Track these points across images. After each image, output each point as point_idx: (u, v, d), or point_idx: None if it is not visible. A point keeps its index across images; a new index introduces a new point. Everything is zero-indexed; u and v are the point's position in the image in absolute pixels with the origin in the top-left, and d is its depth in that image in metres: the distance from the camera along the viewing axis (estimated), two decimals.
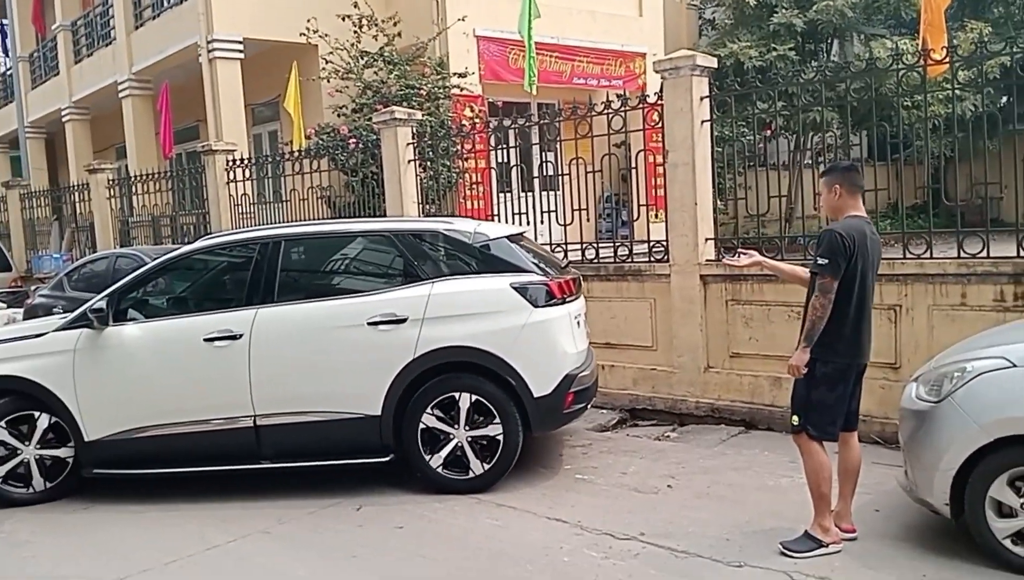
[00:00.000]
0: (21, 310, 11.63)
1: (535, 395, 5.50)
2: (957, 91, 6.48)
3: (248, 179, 12.08)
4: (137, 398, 5.80)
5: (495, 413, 5.51)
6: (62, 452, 5.90)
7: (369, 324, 5.56)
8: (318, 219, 10.81)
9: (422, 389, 5.55)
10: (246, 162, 11.96)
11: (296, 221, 10.91)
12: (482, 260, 5.75)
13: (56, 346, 5.88)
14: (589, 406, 6.08)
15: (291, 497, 5.70)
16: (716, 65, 7.42)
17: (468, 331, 5.51)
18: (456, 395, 5.54)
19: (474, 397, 5.52)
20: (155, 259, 6.30)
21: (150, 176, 13.79)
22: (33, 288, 13.34)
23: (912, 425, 4.36)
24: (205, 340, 5.67)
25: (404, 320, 5.53)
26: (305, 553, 4.82)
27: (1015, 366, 4.02)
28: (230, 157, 12.14)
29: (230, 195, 12.12)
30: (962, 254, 5.90)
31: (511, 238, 5.97)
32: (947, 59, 6.14)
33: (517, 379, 5.49)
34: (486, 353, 5.49)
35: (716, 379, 7.06)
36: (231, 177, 12.09)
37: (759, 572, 4.20)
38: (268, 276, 5.80)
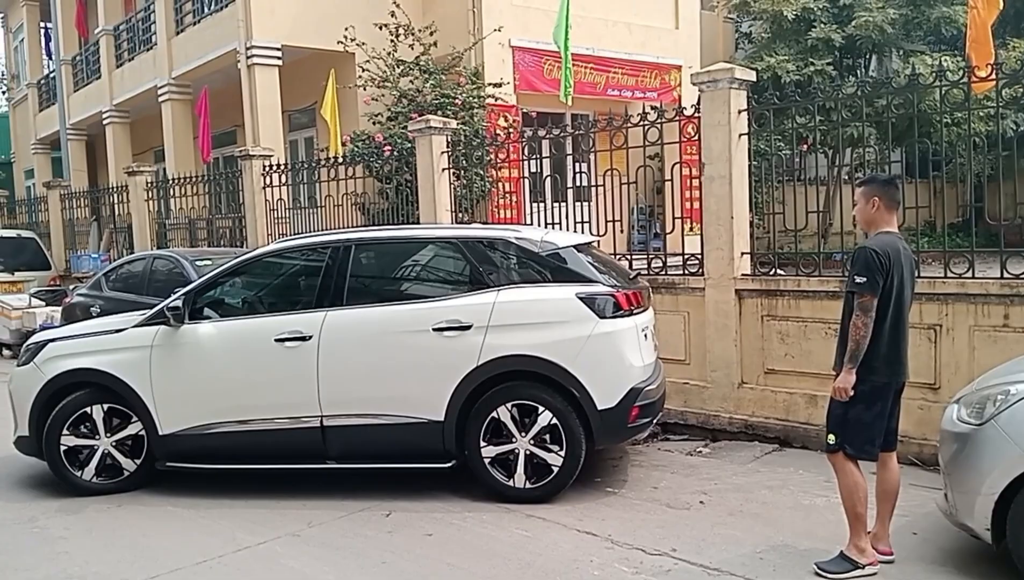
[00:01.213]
0: (59, 309, 11.83)
1: (599, 407, 5.45)
2: (1000, 109, 6.38)
3: (284, 184, 12.19)
4: (210, 395, 5.92)
5: (558, 424, 5.46)
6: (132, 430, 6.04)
7: (434, 330, 5.58)
8: (351, 225, 10.89)
9: (485, 396, 5.55)
10: (282, 168, 12.07)
11: (332, 227, 11.00)
12: (549, 269, 5.73)
13: (134, 342, 6.06)
14: (656, 421, 5.99)
15: (321, 499, 5.72)
16: (754, 78, 7.38)
17: (532, 340, 5.49)
18: (516, 403, 5.53)
19: (540, 409, 5.49)
20: (232, 259, 6.45)
21: (187, 179, 13.97)
22: (72, 287, 13.57)
23: (953, 448, 4.28)
24: (276, 340, 5.76)
25: (469, 327, 5.54)
26: (334, 557, 4.83)
27: None
28: (267, 162, 12.26)
29: (266, 200, 12.24)
30: (1005, 274, 5.79)
31: (579, 247, 5.94)
32: (992, 76, 6.05)
33: (581, 390, 5.44)
34: (550, 363, 5.46)
35: (750, 395, 6.98)
36: (267, 182, 12.20)
37: None
38: (338, 279, 5.88)
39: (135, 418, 6.02)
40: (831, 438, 4.35)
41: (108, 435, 6.05)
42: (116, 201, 16.36)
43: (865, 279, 4.16)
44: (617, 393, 5.48)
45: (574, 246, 5.91)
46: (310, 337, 5.72)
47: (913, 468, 5.76)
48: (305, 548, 4.99)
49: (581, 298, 5.54)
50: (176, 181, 14.28)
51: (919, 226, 6.61)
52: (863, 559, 4.27)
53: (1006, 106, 7.63)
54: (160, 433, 5.95)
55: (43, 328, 11.33)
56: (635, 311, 5.72)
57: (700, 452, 6.76)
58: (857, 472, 4.31)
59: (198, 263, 9.22)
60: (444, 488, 5.76)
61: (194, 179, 13.98)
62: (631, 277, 6.40)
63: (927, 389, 5.99)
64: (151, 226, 15.15)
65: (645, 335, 5.81)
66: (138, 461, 6.08)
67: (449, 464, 5.64)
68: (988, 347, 5.73)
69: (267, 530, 5.23)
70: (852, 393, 4.21)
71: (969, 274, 5.98)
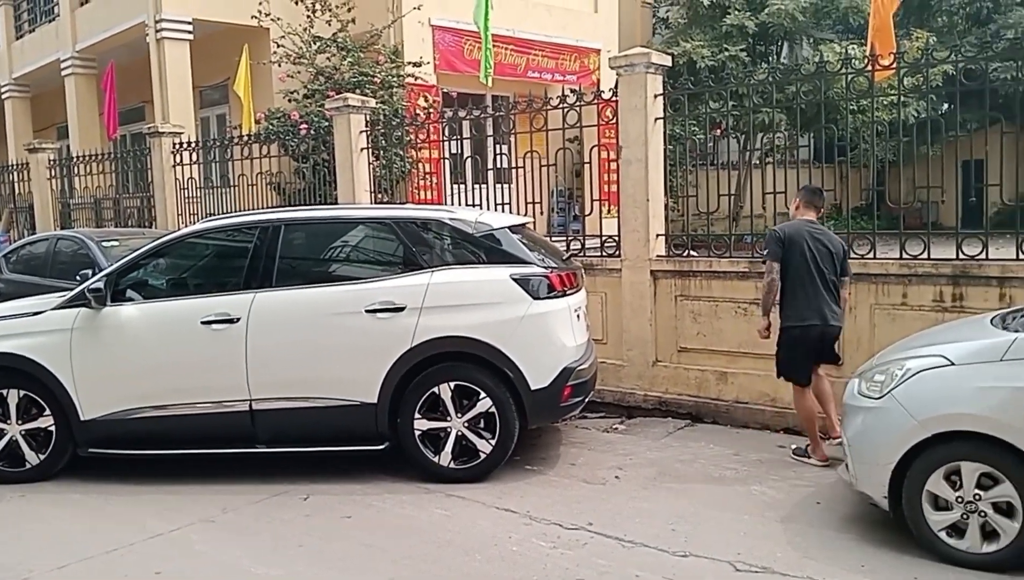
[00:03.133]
0: None
1: (532, 387, 5.49)
2: (902, 97, 6.66)
3: (195, 163, 11.85)
4: (134, 379, 5.75)
5: (492, 404, 5.48)
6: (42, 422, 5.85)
7: (367, 311, 5.52)
8: (266, 205, 10.67)
9: (420, 377, 5.52)
10: (193, 145, 11.72)
11: (246, 208, 10.76)
12: (483, 250, 5.72)
13: (53, 325, 5.84)
14: (587, 399, 6.06)
15: (237, 484, 5.63)
16: (670, 63, 7.50)
17: (466, 321, 5.48)
18: (451, 385, 5.52)
19: (481, 394, 5.49)
20: (156, 240, 6.26)
21: (93, 157, 13.44)
22: None
23: (854, 420, 4.48)
24: (202, 323, 5.63)
25: (402, 308, 5.49)
26: (250, 542, 4.76)
27: (952, 364, 4.16)
28: (177, 140, 11.90)
29: (176, 179, 11.88)
30: (904, 255, 6.07)
31: (513, 229, 5.94)
32: (894, 64, 6.30)
33: (514, 371, 5.46)
34: (484, 343, 5.46)
35: (664, 373, 7.15)
36: (177, 160, 11.84)
37: (704, 562, 4.28)
38: (267, 260, 5.76)
39: (47, 411, 5.81)
40: (775, 372, 5.81)
41: (19, 423, 5.83)
42: (16, 179, 15.63)
43: (768, 250, 5.64)
44: (550, 373, 5.54)
45: (508, 227, 5.91)
46: (238, 319, 5.60)
47: None
48: (219, 534, 4.90)
49: (515, 279, 5.56)
50: (81, 159, 13.73)
51: (826, 210, 6.84)
52: (815, 456, 5.67)
53: (908, 94, 7.97)
54: (82, 418, 5.76)
55: None
56: (568, 292, 5.77)
57: (616, 429, 6.90)
58: (802, 393, 5.70)
59: (105, 244, 8.90)
60: (364, 470, 5.73)
61: (100, 157, 13.46)
62: (564, 258, 6.46)
63: (831, 365, 6.22)
64: (54, 206, 14.54)
65: (578, 315, 5.88)
66: (43, 456, 5.86)
67: (382, 446, 5.62)
68: (888, 324, 6.01)
69: (180, 516, 5.12)
70: (767, 333, 5.74)
71: (871, 255, 6.24)
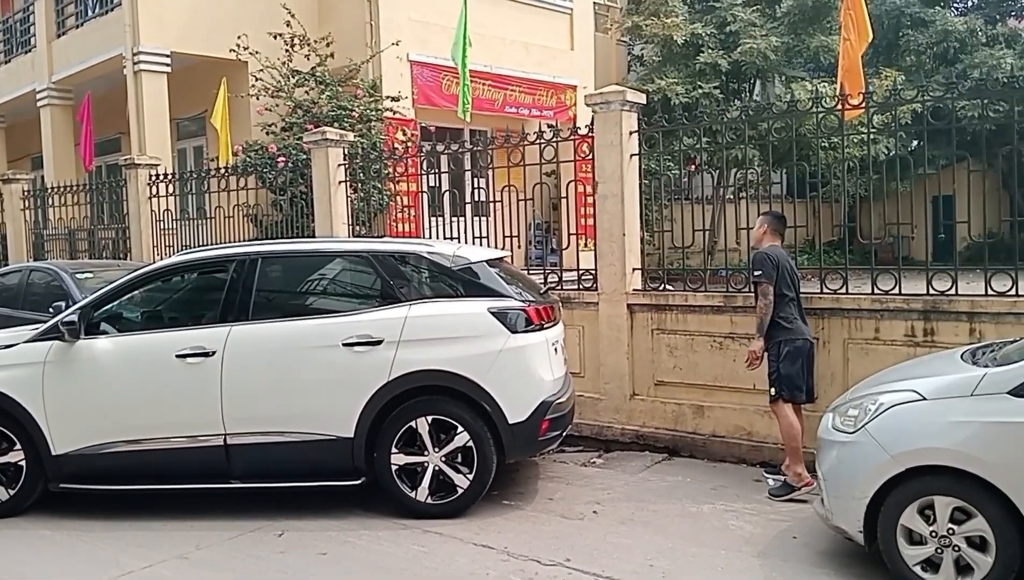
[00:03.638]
0: None
1: (510, 421, 5.47)
2: (871, 135, 6.80)
3: (171, 194, 11.80)
4: (106, 413, 5.69)
5: (473, 447, 5.45)
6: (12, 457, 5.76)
7: (344, 345, 5.49)
8: (242, 238, 10.64)
9: (397, 410, 5.49)
10: (170, 177, 11.69)
11: (222, 240, 10.72)
12: (461, 283, 5.73)
13: (25, 358, 5.79)
14: (565, 433, 6.05)
15: (211, 520, 5.56)
16: (645, 101, 7.62)
17: (444, 355, 5.47)
18: (428, 419, 5.49)
19: (459, 428, 5.46)
20: (131, 273, 6.21)
21: (68, 188, 13.35)
22: None
23: (828, 454, 4.52)
24: (177, 356, 5.58)
25: (380, 342, 5.47)
26: (224, 579, 4.70)
27: (924, 399, 4.22)
28: (153, 172, 11.85)
29: (152, 210, 11.82)
30: (876, 290, 6.16)
31: (491, 262, 5.96)
32: (863, 104, 6.45)
33: (492, 405, 5.44)
34: (461, 377, 5.45)
35: (641, 406, 7.18)
36: (153, 192, 11.79)
37: None
38: (243, 294, 5.74)
39: (17, 445, 5.73)
40: (772, 391, 5.79)
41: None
42: None
43: (761, 272, 5.78)
44: (528, 407, 5.53)
45: (486, 261, 5.93)
46: (213, 353, 5.57)
47: None
48: (193, 571, 4.83)
49: (493, 313, 5.57)
50: (56, 190, 13.63)
51: (797, 244, 6.96)
52: (800, 483, 5.63)
53: (878, 132, 8.13)
54: (53, 453, 5.68)
55: None
56: (546, 326, 5.79)
57: (594, 463, 6.89)
58: (791, 414, 5.73)
59: (78, 276, 8.80)
60: (339, 506, 5.68)
61: (75, 188, 13.36)
62: (542, 292, 6.48)
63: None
64: (27, 236, 14.39)
65: (555, 349, 5.89)
66: (12, 491, 5.77)
67: (359, 481, 5.57)
68: (861, 359, 6.08)
69: (153, 553, 5.05)
70: (759, 359, 5.83)
71: (843, 290, 6.33)
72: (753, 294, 5.97)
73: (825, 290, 6.38)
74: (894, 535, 4.16)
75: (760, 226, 6.05)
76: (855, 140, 10.74)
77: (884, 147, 13.52)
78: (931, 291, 5.94)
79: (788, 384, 5.74)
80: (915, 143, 18.18)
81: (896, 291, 6.07)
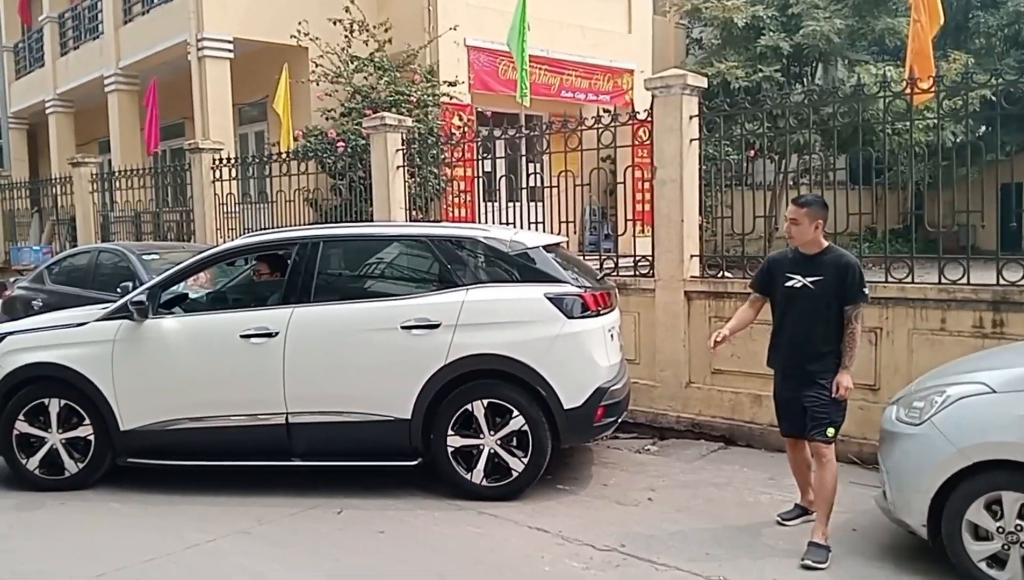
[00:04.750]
0: None
1: (565, 407, 5.49)
2: (936, 120, 6.61)
3: (233, 178, 12.04)
4: (172, 390, 5.85)
5: (528, 431, 5.48)
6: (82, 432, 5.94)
7: (403, 328, 5.57)
8: (302, 221, 10.80)
9: (453, 393, 5.55)
10: (233, 161, 11.92)
11: (283, 223, 10.91)
12: (518, 269, 5.75)
13: (96, 336, 5.95)
14: (620, 420, 6.04)
15: (272, 497, 5.69)
16: (706, 85, 7.51)
17: (500, 339, 5.50)
18: (484, 402, 5.54)
19: (514, 412, 5.50)
20: (197, 255, 6.37)
21: (134, 172, 13.70)
22: (12, 280, 13.19)
23: (892, 447, 4.43)
24: (241, 337, 5.72)
25: (437, 325, 5.53)
26: (285, 554, 4.81)
27: (994, 391, 4.11)
28: (217, 156, 12.09)
29: (215, 194, 12.08)
30: (943, 280, 6.00)
31: (548, 248, 5.96)
32: (933, 88, 6.27)
33: (548, 390, 5.47)
34: (517, 362, 5.48)
35: (697, 394, 7.12)
36: (217, 176, 12.04)
37: None
38: (305, 276, 5.84)
39: (87, 420, 5.91)
40: (830, 431, 4.60)
41: (60, 431, 5.94)
42: (59, 192, 15.97)
43: (867, 291, 4.66)
44: (583, 393, 5.54)
45: (543, 246, 5.93)
46: (276, 333, 5.68)
47: (853, 466, 5.94)
48: (255, 545, 4.96)
49: (549, 298, 5.58)
50: (122, 173, 13.99)
51: (861, 232, 6.80)
52: (828, 542, 4.54)
53: (945, 117, 7.90)
54: (121, 428, 5.85)
55: None
56: (602, 312, 5.78)
57: (648, 450, 6.87)
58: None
59: (145, 257, 9.05)
60: (396, 486, 5.76)
61: (141, 171, 13.71)
62: (598, 278, 6.46)
63: (867, 390, 6.17)
64: (95, 219, 14.83)
65: (611, 335, 5.88)
66: (81, 464, 5.96)
67: (415, 462, 5.65)
68: (926, 349, 5.93)
69: (216, 527, 5.19)
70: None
71: (909, 279, 6.18)
72: (796, 299, 4.74)
73: (890, 279, 6.23)
74: (959, 530, 4.07)
75: (812, 222, 4.67)
76: (920, 125, 10.46)
77: (951, 132, 13.11)
78: (1001, 281, 5.77)
79: (841, 421, 4.70)
80: (983, 128, 17.62)
81: (964, 281, 5.90)
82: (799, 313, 4.73)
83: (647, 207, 7.79)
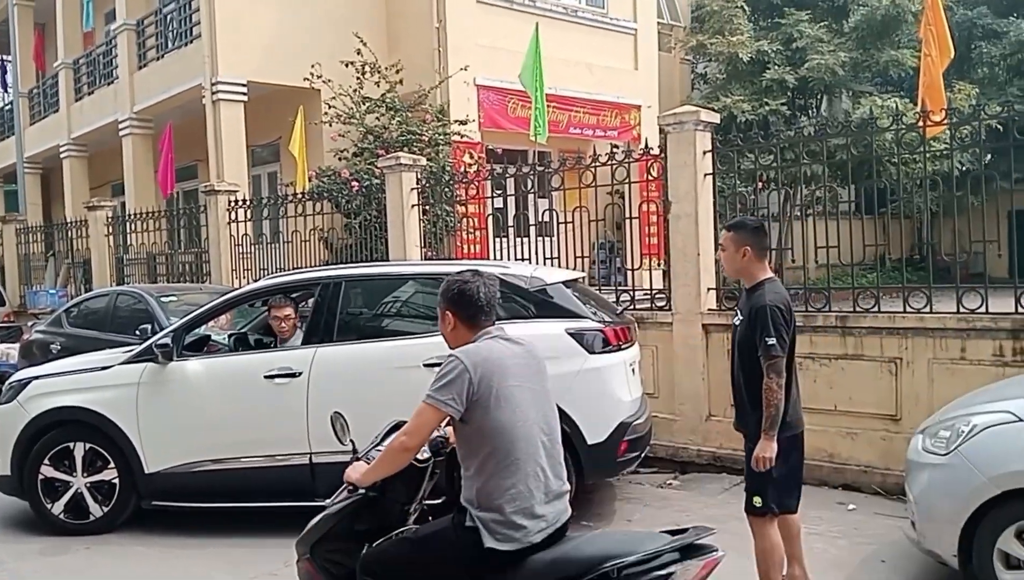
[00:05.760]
0: (15, 346, 11.59)
1: (588, 442, 5.49)
2: (947, 150, 6.69)
3: (249, 220, 12.17)
4: (198, 432, 5.87)
5: None
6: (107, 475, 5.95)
7: (425, 366, 5.56)
8: (316, 261, 10.89)
9: None
10: (250, 202, 12.05)
11: (298, 264, 11.00)
12: (538, 305, 5.77)
13: (121, 379, 5.99)
14: (643, 455, 6.02)
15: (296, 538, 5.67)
16: (718, 120, 7.61)
17: None
18: None
19: None
20: (220, 297, 6.44)
21: (149, 214, 13.85)
22: (29, 324, 13.28)
23: (919, 477, 4.43)
24: (265, 377, 5.75)
25: None
26: None
27: (1021, 420, 4.12)
28: (232, 198, 12.24)
29: (231, 235, 12.19)
30: (961, 309, 6.03)
31: (567, 283, 5.99)
32: (945, 120, 6.36)
33: (571, 426, 5.42)
34: None
35: (718, 428, 7.11)
36: (232, 217, 12.17)
37: None
38: (327, 316, 5.89)
39: (112, 464, 5.93)
40: (757, 500, 4.07)
41: (85, 475, 5.96)
42: (74, 236, 16.13)
43: (774, 341, 3.90)
44: (606, 428, 5.55)
45: (562, 282, 5.97)
46: (300, 373, 5.72)
47: (877, 498, 5.93)
48: None
49: (571, 334, 5.60)
50: (138, 216, 14.15)
51: (873, 260, 6.86)
52: None
53: (956, 148, 7.99)
54: (146, 471, 5.86)
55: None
56: (623, 346, 5.80)
57: (671, 484, 6.86)
58: (776, 534, 4.15)
59: (163, 299, 9.13)
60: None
61: (155, 214, 13.86)
62: (618, 312, 6.49)
63: (889, 420, 6.18)
64: (110, 261, 14.96)
65: (632, 370, 5.90)
66: (106, 508, 5.97)
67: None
68: (947, 379, 5.94)
69: (244, 569, 5.19)
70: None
71: (927, 309, 6.20)
72: (741, 354, 4.14)
73: (908, 309, 6.26)
74: (991, 559, 4.05)
75: (738, 249, 4.13)
76: (928, 155, 10.54)
77: (958, 162, 13.21)
78: (1020, 309, 5.79)
79: (779, 490, 4.08)
80: (988, 157, 17.72)
81: (983, 310, 5.93)
82: (733, 360, 4.23)
83: (655, 240, 7.85)
